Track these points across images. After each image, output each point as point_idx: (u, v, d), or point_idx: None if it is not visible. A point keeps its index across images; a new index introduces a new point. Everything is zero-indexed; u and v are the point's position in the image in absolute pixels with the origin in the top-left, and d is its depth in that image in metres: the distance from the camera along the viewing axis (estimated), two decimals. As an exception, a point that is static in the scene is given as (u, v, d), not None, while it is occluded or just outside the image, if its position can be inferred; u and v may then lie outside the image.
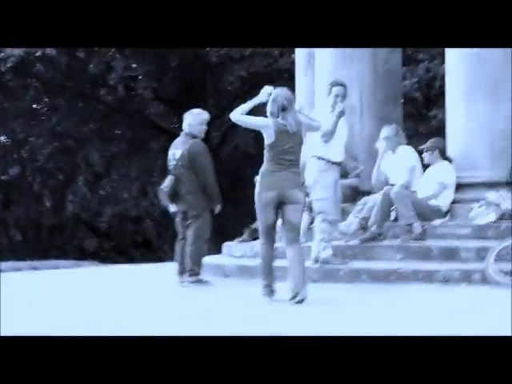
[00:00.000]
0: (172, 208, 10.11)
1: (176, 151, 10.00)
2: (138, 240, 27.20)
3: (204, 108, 10.68)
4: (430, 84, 19.59)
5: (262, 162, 8.01)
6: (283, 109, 7.83)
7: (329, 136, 9.60)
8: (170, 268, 12.09)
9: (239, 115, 8.01)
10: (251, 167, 26.30)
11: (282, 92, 7.97)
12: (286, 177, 7.80)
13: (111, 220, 26.46)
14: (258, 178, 8.08)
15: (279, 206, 7.84)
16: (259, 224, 8.08)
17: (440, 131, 12.66)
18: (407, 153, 10.52)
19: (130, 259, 23.82)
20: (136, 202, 25.75)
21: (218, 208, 9.92)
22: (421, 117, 20.61)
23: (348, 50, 11.55)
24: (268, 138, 7.85)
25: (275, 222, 7.97)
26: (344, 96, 9.80)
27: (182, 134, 10.06)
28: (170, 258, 19.23)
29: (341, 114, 9.64)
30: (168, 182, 10.09)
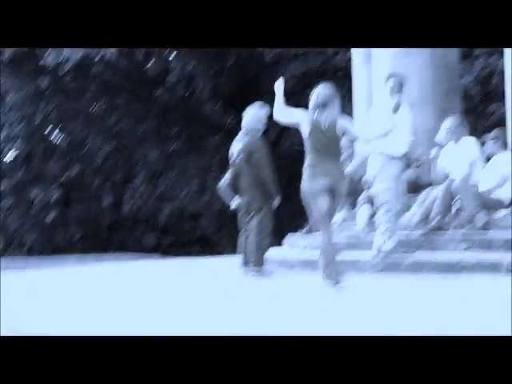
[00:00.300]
0: (234, 202, 10.30)
1: (237, 146, 10.20)
2: (197, 236, 27.41)
3: (259, 106, 10.81)
4: (487, 80, 19.48)
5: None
6: (323, 105, 8.04)
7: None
8: (230, 261, 12.29)
9: (276, 114, 8.27)
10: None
11: (323, 88, 8.18)
12: (334, 168, 8.03)
13: (169, 217, 26.72)
14: (304, 170, 8.23)
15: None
16: (313, 214, 8.18)
17: (499, 126, 12.62)
18: (470, 144, 10.48)
19: (190, 254, 24.03)
20: (194, 199, 25.98)
21: (275, 203, 10.08)
22: (478, 113, 20.50)
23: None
24: (304, 133, 8.14)
25: (328, 208, 8.07)
26: (400, 87, 9.84)
27: (243, 128, 10.25)
28: (229, 253, 19.43)
29: (396, 107, 9.72)
30: (229, 176, 10.30)
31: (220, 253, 22.10)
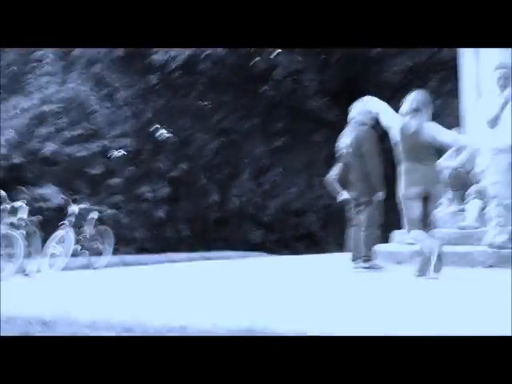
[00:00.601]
0: (343, 195, 10.30)
1: (345, 139, 10.19)
2: (302, 232, 27.51)
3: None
4: None
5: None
6: (415, 110, 8.14)
7: (493, 122, 9.53)
8: (337, 258, 12.26)
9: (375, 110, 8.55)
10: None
11: (417, 95, 8.35)
12: (427, 173, 8.13)
13: (276, 213, 26.89)
14: (398, 177, 8.38)
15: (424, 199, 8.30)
16: (407, 215, 8.45)
17: None
18: None
19: (295, 251, 24.12)
20: (301, 195, 26.06)
21: (379, 196, 10.01)
22: None
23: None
24: (393, 137, 8.26)
25: (421, 213, 8.39)
26: (508, 79, 9.66)
27: (352, 121, 10.23)
28: (334, 250, 19.42)
29: (506, 99, 9.54)
30: (337, 169, 10.30)
31: (325, 250, 22.13)
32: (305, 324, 5.15)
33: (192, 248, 23.95)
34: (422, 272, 8.32)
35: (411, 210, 8.37)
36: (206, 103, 26.32)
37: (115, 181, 25.81)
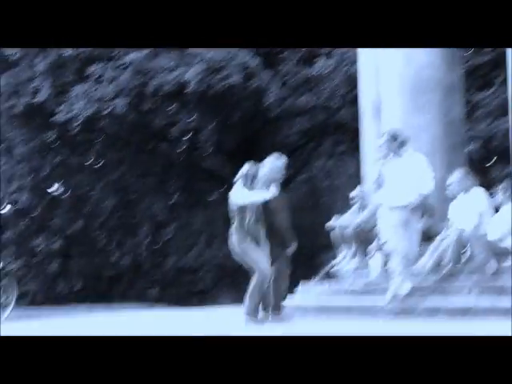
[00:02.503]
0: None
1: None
2: (196, 289, 27.61)
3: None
4: (489, 140, 19.81)
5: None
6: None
7: (376, 183, 10.26)
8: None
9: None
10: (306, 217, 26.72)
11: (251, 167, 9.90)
12: None
13: (171, 270, 26.99)
14: None
15: None
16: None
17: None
18: (479, 195, 10.96)
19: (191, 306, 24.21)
20: (199, 253, 26.22)
21: (290, 250, 10.34)
22: (479, 172, 20.79)
23: (416, 101, 12.16)
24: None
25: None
26: (395, 141, 10.41)
27: (263, 178, 10.56)
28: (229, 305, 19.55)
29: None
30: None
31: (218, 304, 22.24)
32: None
33: (87, 303, 23.78)
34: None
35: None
36: (103, 161, 26.37)
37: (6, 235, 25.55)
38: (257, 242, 10.06)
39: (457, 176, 11.06)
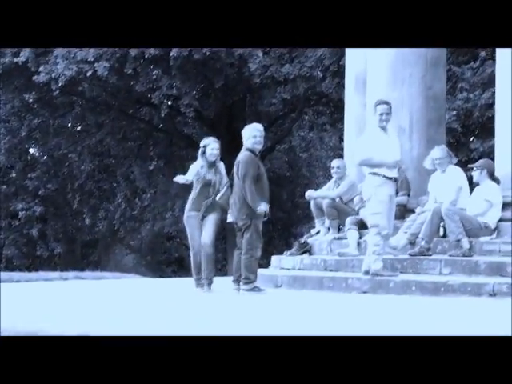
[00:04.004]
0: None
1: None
2: (175, 257, 27.59)
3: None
4: (469, 114, 19.86)
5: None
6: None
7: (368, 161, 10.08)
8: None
9: None
10: (284, 188, 26.68)
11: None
12: None
13: (147, 237, 26.90)
14: None
15: None
16: None
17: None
18: (456, 172, 10.91)
19: (166, 275, 24.19)
20: (175, 220, 26.12)
21: (260, 212, 10.07)
22: (460, 146, 20.92)
23: (400, 73, 12.06)
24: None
25: None
26: (388, 114, 10.16)
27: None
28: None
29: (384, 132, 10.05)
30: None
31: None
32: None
33: (63, 268, 23.68)
34: None
35: None
36: (82, 124, 26.16)
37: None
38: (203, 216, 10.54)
39: (436, 153, 10.97)
